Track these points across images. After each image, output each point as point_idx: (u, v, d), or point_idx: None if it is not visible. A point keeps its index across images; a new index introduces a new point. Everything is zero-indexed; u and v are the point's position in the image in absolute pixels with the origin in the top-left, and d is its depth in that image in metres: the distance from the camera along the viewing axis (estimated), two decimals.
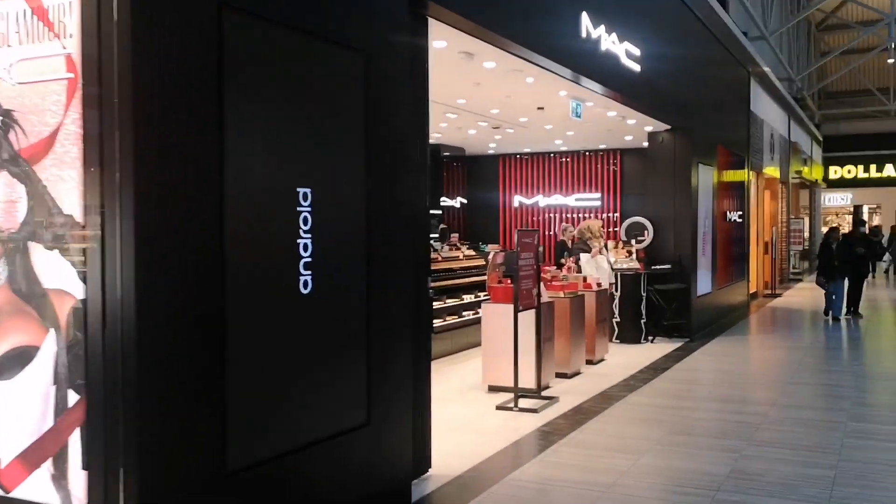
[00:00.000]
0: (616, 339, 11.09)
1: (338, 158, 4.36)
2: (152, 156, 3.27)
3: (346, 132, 4.42)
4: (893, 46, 25.04)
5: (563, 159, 16.51)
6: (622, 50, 9.10)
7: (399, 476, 4.91)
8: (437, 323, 9.87)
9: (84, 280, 3.27)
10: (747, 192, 16.72)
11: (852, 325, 13.84)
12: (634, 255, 12.12)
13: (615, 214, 15.93)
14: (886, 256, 18.89)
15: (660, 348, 10.92)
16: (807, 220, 27.76)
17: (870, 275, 14.66)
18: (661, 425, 6.83)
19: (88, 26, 3.25)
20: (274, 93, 3.91)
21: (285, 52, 3.98)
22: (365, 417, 4.51)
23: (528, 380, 7.63)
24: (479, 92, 9.28)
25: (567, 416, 7.12)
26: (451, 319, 10.30)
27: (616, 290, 11.04)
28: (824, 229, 20.55)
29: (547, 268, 9.87)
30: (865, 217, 35.06)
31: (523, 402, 7.36)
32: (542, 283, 8.27)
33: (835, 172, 34.17)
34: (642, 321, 11.33)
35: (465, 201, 17.16)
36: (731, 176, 15.18)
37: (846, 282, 14.42)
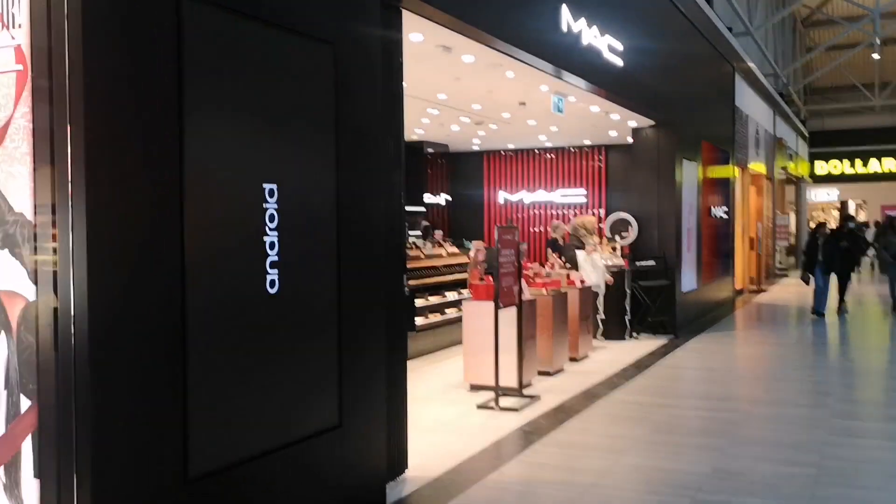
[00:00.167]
0: (601, 335, 11.01)
1: (306, 153, 4.24)
2: (106, 151, 3.14)
3: (315, 126, 4.30)
4: (878, 42, 25.07)
5: (548, 155, 16.43)
6: (604, 44, 9.01)
7: (373, 478, 4.80)
8: (419, 321, 9.77)
9: (35, 281, 3.14)
10: (732, 187, 16.69)
11: (837, 321, 13.81)
12: (619, 252, 12.06)
13: (601, 210, 15.86)
14: (871, 251, 18.86)
15: (644, 345, 10.85)
16: (793, 215, 27.79)
17: (856, 268, 14.56)
18: (644, 423, 6.75)
19: (38, 16, 3.12)
20: (238, 86, 3.78)
21: (250, 44, 3.85)
22: (336, 419, 4.40)
23: (510, 378, 7.54)
24: (459, 87, 9.17)
25: (548, 415, 7.03)
26: (434, 317, 10.20)
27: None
28: (813, 224, 20.53)
29: (529, 264, 9.78)
30: (852, 212, 35.17)
31: (504, 401, 7.27)
32: (524, 281, 8.17)
33: (821, 168, 34.27)
34: (627, 318, 11.26)
35: (449, 198, 17.04)
36: (717, 172, 15.12)
37: (831, 277, 14.34)
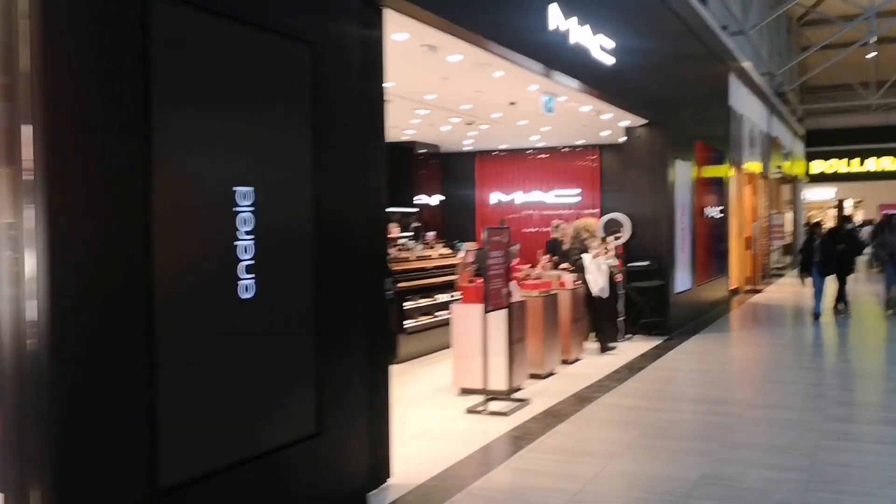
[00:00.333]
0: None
1: (283, 156, 4.14)
2: (68, 151, 3.04)
3: (291, 128, 4.19)
4: (873, 41, 24.99)
5: (541, 155, 16.33)
6: (595, 43, 8.89)
7: (354, 487, 4.70)
8: (408, 323, 9.67)
9: None
10: (727, 187, 16.59)
11: (834, 322, 13.71)
12: (612, 252, 11.92)
13: (596, 210, 15.76)
14: (868, 250, 18.74)
15: (637, 347, 10.75)
16: (789, 214, 27.70)
17: (853, 270, 14.42)
18: (634, 427, 6.65)
19: None
20: (210, 86, 3.68)
21: (221, 42, 3.75)
22: (314, 427, 4.29)
23: (500, 382, 7.43)
24: (447, 87, 9.06)
25: (538, 419, 6.92)
26: (425, 319, 10.09)
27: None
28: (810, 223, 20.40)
29: (519, 266, 9.67)
30: (849, 211, 35.11)
31: (494, 405, 7.16)
32: (514, 283, 8.06)
33: (818, 167, 34.20)
34: (620, 319, 11.15)
35: (443, 199, 16.94)
36: (711, 171, 15.03)
37: (828, 279, 14.20)
